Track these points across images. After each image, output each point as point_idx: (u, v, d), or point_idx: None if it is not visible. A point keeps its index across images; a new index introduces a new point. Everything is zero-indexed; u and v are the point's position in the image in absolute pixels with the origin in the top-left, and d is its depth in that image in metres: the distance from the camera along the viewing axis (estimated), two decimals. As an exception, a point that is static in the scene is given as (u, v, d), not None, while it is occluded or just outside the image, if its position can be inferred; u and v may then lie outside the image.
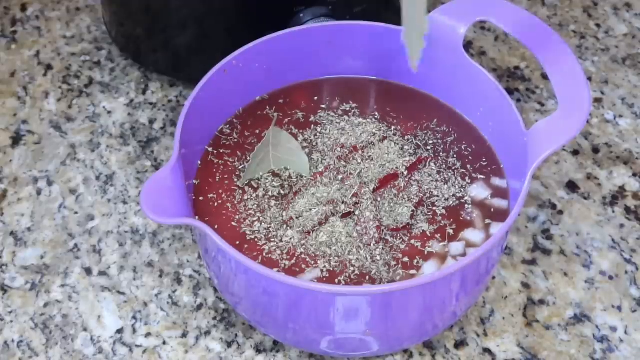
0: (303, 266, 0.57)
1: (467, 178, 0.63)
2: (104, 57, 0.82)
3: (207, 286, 0.65)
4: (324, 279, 0.57)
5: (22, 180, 0.72)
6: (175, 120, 0.76)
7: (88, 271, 0.66)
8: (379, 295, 0.52)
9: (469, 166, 0.63)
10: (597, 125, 0.77)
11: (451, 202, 0.61)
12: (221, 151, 0.65)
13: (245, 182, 0.62)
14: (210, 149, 0.64)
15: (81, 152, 0.74)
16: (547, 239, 0.68)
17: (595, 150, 0.75)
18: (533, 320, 0.63)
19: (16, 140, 0.75)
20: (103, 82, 0.80)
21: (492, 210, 0.61)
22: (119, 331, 0.63)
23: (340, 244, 0.58)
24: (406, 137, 0.65)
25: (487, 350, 0.62)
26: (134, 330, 0.63)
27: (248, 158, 0.63)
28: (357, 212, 0.59)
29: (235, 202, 0.61)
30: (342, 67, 0.69)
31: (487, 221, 0.60)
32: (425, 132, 0.66)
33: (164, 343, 0.62)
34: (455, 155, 0.64)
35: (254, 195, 0.61)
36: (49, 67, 0.81)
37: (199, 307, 0.64)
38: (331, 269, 0.57)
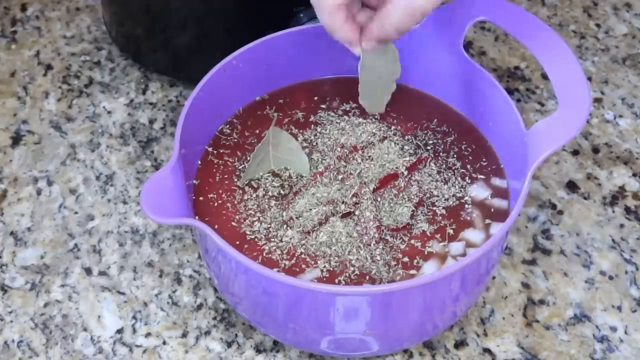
0: (303, 266, 0.57)
1: (467, 178, 0.63)
2: (104, 57, 0.82)
3: (207, 286, 0.65)
4: (324, 279, 0.57)
5: (22, 180, 0.72)
6: (175, 120, 0.76)
7: (88, 271, 0.66)
8: (379, 295, 0.52)
9: (469, 166, 0.63)
10: (597, 125, 0.77)
11: (451, 202, 0.61)
12: (221, 151, 0.65)
13: (245, 182, 0.62)
14: (210, 149, 0.64)
15: (81, 152, 0.74)
16: (547, 239, 0.68)
17: (595, 150, 0.75)
18: (533, 320, 0.63)
19: (16, 140, 0.75)
20: (103, 82, 0.80)
21: (492, 210, 0.61)
22: (119, 331, 0.63)
23: (340, 244, 0.58)
24: (406, 137, 0.65)
25: (487, 350, 0.62)
26: (134, 330, 0.63)
27: (248, 158, 0.63)
28: (357, 212, 0.59)
29: (235, 202, 0.61)
30: (342, 67, 0.69)
31: (487, 221, 0.60)
32: (425, 132, 0.66)
33: (164, 343, 0.62)
34: (455, 155, 0.64)
35: (254, 195, 0.61)
36: (49, 67, 0.81)
37: (199, 307, 0.64)
38: (331, 269, 0.57)
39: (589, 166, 0.73)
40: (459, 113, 0.67)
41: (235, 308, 0.60)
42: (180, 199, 0.55)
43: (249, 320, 0.60)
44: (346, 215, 0.59)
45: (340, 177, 0.61)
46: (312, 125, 0.66)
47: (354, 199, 0.59)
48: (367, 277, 0.57)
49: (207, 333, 0.63)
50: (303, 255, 0.58)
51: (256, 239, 0.59)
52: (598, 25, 0.86)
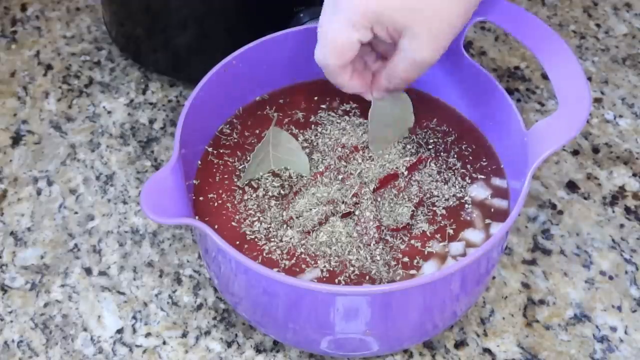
0: (303, 266, 0.57)
1: (467, 178, 0.63)
2: (104, 57, 0.82)
3: (207, 286, 0.65)
4: (324, 279, 0.57)
5: (22, 180, 0.72)
6: (175, 120, 0.76)
7: (88, 271, 0.66)
8: (379, 295, 0.52)
9: (469, 166, 0.63)
10: (597, 125, 0.77)
11: (451, 202, 0.61)
12: (221, 151, 0.64)
13: (245, 182, 0.62)
14: (210, 149, 0.64)
15: (81, 152, 0.74)
16: (547, 239, 0.68)
17: (595, 150, 0.75)
18: (533, 320, 0.63)
19: (16, 140, 0.75)
20: (103, 82, 0.80)
21: (492, 210, 0.61)
22: (119, 331, 0.63)
23: (340, 244, 0.58)
24: (406, 137, 0.65)
25: (487, 350, 0.62)
26: (134, 330, 0.63)
27: (248, 158, 0.63)
28: (357, 212, 0.59)
29: (235, 202, 0.61)
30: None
31: (487, 221, 0.60)
32: (426, 132, 0.66)
33: (164, 343, 0.62)
34: (455, 155, 0.64)
35: (254, 195, 0.61)
36: (49, 67, 0.81)
37: (199, 307, 0.64)
38: (331, 269, 0.57)
39: (589, 166, 0.73)
40: (459, 113, 0.67)
41: (235, 308, 0.60)
42: (180, 199, 0.55)
43: (249, 320, 0.60)
44: (346, 215, 0.59)
45: (340, 177, 0.61)
46: (313, 125, 0.66)
47: (354, 199, 0.59)
48: (367, 277, 0.57)
49: (207, 333, 0.63)
50: (303, 255, 0.58)
51: (256, 239, 0.59)
52: (598, 25, 0.86)
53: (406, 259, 0.58)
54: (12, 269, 0.66)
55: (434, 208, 0.61)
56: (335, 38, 0.57)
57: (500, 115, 0.62)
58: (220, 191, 0.62)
